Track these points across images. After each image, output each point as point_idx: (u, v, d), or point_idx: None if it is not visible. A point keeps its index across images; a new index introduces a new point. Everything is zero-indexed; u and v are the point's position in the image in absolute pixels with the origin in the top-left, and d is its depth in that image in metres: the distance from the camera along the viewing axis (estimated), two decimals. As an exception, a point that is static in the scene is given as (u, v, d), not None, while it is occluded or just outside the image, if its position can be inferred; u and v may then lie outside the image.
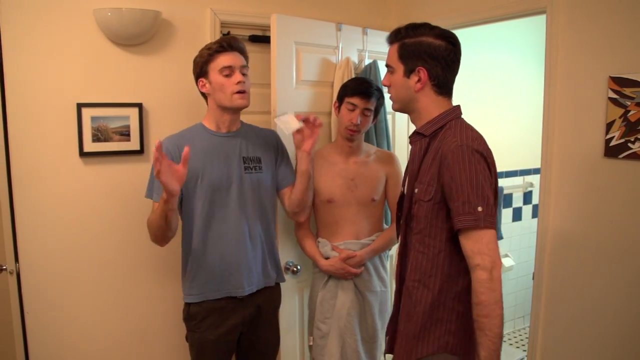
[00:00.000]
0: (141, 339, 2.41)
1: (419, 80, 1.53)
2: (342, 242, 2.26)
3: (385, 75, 1.64)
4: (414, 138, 1.64)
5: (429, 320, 1.52)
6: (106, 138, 2.21)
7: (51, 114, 2.12)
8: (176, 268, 2.19)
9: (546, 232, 2.21)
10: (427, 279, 1.52)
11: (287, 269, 2.37)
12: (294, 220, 2.27)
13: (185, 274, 2.01)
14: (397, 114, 2.74)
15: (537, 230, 2.25)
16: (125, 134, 2.25)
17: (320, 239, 2.31)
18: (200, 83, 1.95)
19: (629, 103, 1.90)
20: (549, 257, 2.22)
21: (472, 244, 1.41)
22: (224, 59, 1.89)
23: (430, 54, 1.51)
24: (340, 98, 2.24)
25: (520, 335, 4.02)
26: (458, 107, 1.59)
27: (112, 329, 2.33)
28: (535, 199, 3.99)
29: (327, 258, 2.25)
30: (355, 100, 2.17)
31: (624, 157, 1.93)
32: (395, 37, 1.58)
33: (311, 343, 2.32)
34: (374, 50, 2.63)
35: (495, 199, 1.51)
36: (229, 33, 2.47)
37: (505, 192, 3.78)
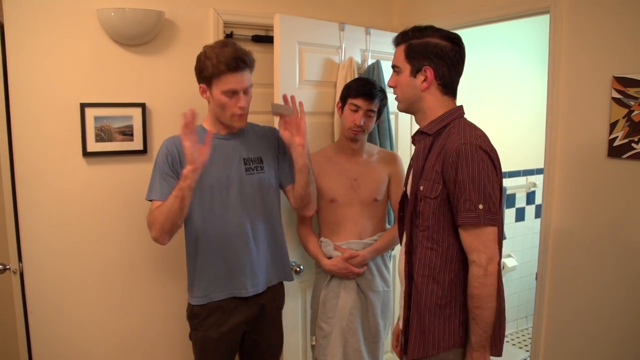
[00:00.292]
0: (144, 338, 2.42)
1: (425, 80, 1.57)
2: (344, 242, 2.26)
3: (392, 76, 1.67)
4: (417, 137, 1.66)
5: (442, 316, 1.55)
6: (109, 138, 2.22)
7: (54, 113, 2.13)
8: (179, 267, 2.20)
9: (549, 232, 2.21)
10: (437, 274, 1.55)
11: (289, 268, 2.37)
12: (301, 215, 2.27)
13: (189, 276, 2.01)
14: (400, 114, 2.74)
15: (540, 230, 2.25)
16: (128, 134, 2.26)
17: (322, 239, 2.31)
18: (201, 88, 1.91)
19: (632, 103, 1.89)
20: (552, 257, 2.21)
21: (471, 240, 1.48)
22: (230, 81, 1.82)
23: (437, 54, 1.55)
24: (344, 99, 2.24)
25: (523, 335, 4.01)
26: (461, 107, 1.62)
27: (115, 328, 2.34)
28: (538, 199, 3.98)
29: (329, 258, 2.25)
30: (358, 101, 2.17)
31: (628, 157, 1.92)
32: (402, 38, 1.62)
33: (314, 343, 2.32)
34: (377, 50, 2.63)
35: (500, 196, 1.53)
36: (231, 33, 2.47)
37: (509, 192, 3.77)
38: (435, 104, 1.59)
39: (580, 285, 2.13)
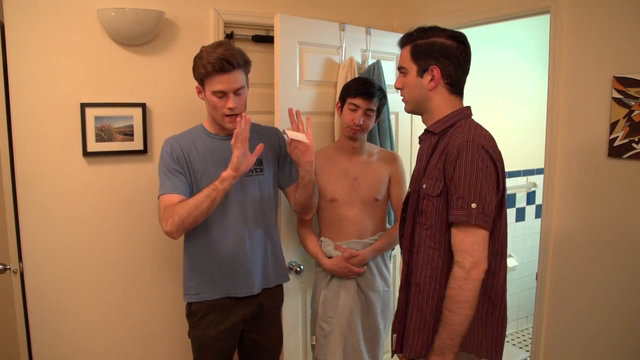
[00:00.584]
0: (144, 337, 2.42)
1: (432, 79, 1.56)
2: (345, 242, 2.26)
3: (398, 78, 1.66)
4: (423, 136, 1.65)
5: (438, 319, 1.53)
6: (110, 138, 2.22)
7: (55, 113, 2.13)
8: (178, 266, 2.19)
9: (549, 232, 2.21)
10: (439, 274, 1.54)
11: (290, 268, 2.37)
12: (300, 217, 2.27)
13: (184, 273, 2.02)
14: (400, 114, 2.75)
15: (541, 230, 2.25)
16: (128, 134, 2.26)
17: (323, 238, 2.31)
18: (197, 89, 1.93)
19: (633, 103, 1.89)
20: (553, 257, 2.21)
21: (459, 239, 1.45)
22: (219, 82, 1.82)
23: (443, 53, 1.54)
24: (343, 98, 2.24)
25: (523, 335, 4.01)
26: (468, 107, 1.61)
27: (115, 327, 2.34)
28: (538, 199, 3.98)
29: (330, 257, 2.25)
30: (357, 100, 2.17)
31: (628, 157, 1.92)
32: (407, 39, 1.61)
33: (314, 342, 2.32)
34: (377, 50, 2.63)
35: (501, 198, 1.51)
36: (232, 33, 2.47)
37: (509, 192, 3.77)
38: (442, 104, 1.58)
39: (580, 285, 2.13)
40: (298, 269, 2.40)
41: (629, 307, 1.97)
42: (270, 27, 2.38)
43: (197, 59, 1.86)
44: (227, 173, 1.79)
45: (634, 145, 1.90)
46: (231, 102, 1.85)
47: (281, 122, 2.28)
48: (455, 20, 2.54)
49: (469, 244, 1.43)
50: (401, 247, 1.77)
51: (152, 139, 2.32)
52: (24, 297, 2.15)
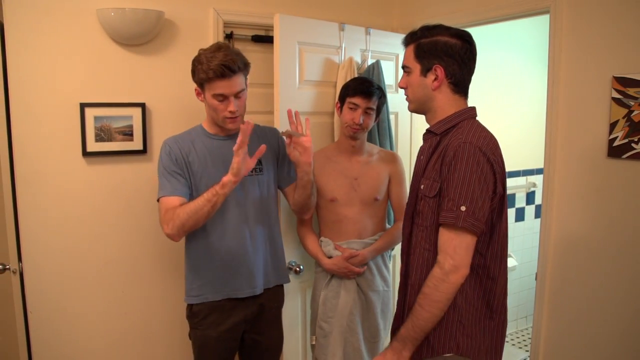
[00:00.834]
0: (144, 338, 2.42)
1: (436, 79, 1.53)
2: (344, 241, 2.26)
3: (402, 77, 1.64)
4: (425, 136, 1.63)
5: (442, 320, 1.50)
6: (109, 138, 2.22)
7: (54, 113, 2.13)
8: (178, 266, 2.20)
9: (549, 232, 2.21)
10: None
11: (289, 268, 2.37)
12: (299, 217, 2.27)
13: (186, 275, 2.02)
14: (400, 113, 2.75)
15: (540, 230, 2.25)
16: (128, 134, 2.26)
17: (323, 238, 2.31)
18: (196, 91, 1.93)
19: (632, 103, 1.89)
20: (552, 257, 2.21)
21: (444, 240, 1.43)
22: (219, 87, 1.83)
23: (447, 52, 1.51)
24: (342, 98, 2.24)
25: (522, 335, 4.01)
26: (473, 108, 1.58)
27: (114, 328, 2.34)
28: (538, 199, 3.98)
29: (329, 257, 2.26)
30: (356, 100, 2.17)
31: (628, 158, 1.92)
32: (411, 38, 1.58)
33: (314, 342, 2.32)
34: (377, 50, 2.63)
35: (501, 201, 1.48)
36: (232, 33, 2.47)
37: (508, 192, 3.74)
38: (445, 104, 1.55)
39: (580, 285, 2.13)
40: (298, 269, 2.40)
41: (629, 307, 1.97)
42: (270, 27, 2.38)
43: (197, 64, 1.85)
44: (228, 178, 1.79)
45: (633, 145, 1.90)
46: (232, 106, 1.86)
47: (281, 122, 2.28)
48: (455, 20, 2.54)
49: (452, 246, 1.41)
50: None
51: (152, 139, 2.32)
52: (23, 297, 2.15)
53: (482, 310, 1.52)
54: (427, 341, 1.52)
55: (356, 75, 2.45)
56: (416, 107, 1.63)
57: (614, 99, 1.94)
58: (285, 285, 2.19)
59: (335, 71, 2.49)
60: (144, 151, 2.30)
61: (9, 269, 2.12)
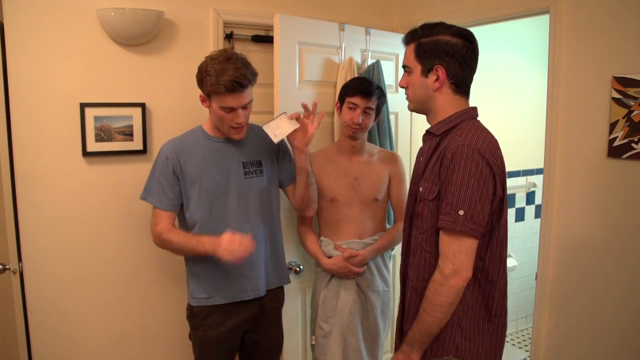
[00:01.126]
0: (144, 338, 2.42)
1: (437, 79, 1.50)
2: (344, 242, 2.26)
3: (403, 76, 1.61)
4: (425, 137, 1.62)
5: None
6: (109, 138, 2.22)
7: (54, 113, 2.13)
8: (178, 267, 2.20)
9: (549, 232, 2.21)
10: None
11: (289, 268, 2.37)
12: (302, 215, 2.27)
13: (189, 279, 2.02)
14: (400, 113, 2.74)
15: (540, 230, 2.25)
16: (128, 134, 2.26)
17: (323, 238, 2.31)
18: (201, 97, 1.91)
19: (632, 103, 1.89)
20: (552, 257, 2.21)
21: (443, 245, 1.42)
22: (229, 101, 1.82)
23: (448, 52, 1.48)
24: (342, 98, 2.24)
25: (523, 335, 4.01)
26: (474, 108, 1.56)
27: (114, 328, 2.34)
28: (538, 199, 3.98)
29: (329, 257, 2.25)
30: (356, 99, 2.17)
31: (628, 158, 1.92)
32: (412, 37, 1.55)
33: (313, 342, 2.32)
34: (376, 50, 2.63)
35: (500, 204, 1.47)
36: (232, 33, 2.47)
37: (508, 192, 3.76)
38: (446, 104, 1.53)
39: (580, 285, 2.13)
40: (297, 269, 2.40)
41: (629, 307, 1.97)
42: (270, 27, 2.38)
43: (205, 75, 1.81)
44: (214, 251, 1.81)
45: (633, 145, 1.90)
46: (240, 118, 1.86)
47: (281, 122, 2.28)
48: (454, 20, 2.50)
49: (451, 251, 1.40)
50: None
51: (152, 139, 2.32)
52: (23, 297, 2.15)
53: (481, 313, 1.51)
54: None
55: (356, 75, 2.45)
56: (416, 106, 1.61)
57: (614, 99, 1.94)
58: (285, 286, 2.19)
59: (335, 71, 2.49)
60: (144, 151, 2.30)
61: (9, 269, 2.12)
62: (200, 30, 2.37)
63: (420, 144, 1.65)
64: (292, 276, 2.37)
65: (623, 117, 1.92)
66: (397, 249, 2.63)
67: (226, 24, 2.44)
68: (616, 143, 1.95)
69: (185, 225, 1.98)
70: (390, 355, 2.82)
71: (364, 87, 2.17)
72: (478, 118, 1.57)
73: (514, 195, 3.88)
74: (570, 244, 2.15)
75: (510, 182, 3.79)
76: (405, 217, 1.65)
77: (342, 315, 2.25)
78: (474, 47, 1.52)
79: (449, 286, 1.39)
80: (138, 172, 2.27)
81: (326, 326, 2.25)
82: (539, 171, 3.90)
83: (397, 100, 2.60)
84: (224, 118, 1.86)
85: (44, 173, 2.13)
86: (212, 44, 2.36)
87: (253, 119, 2.13)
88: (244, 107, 1.86)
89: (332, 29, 2.47)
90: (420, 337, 1.47)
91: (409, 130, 2.85)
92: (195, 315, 2.00)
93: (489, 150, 1.42)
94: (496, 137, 1.52)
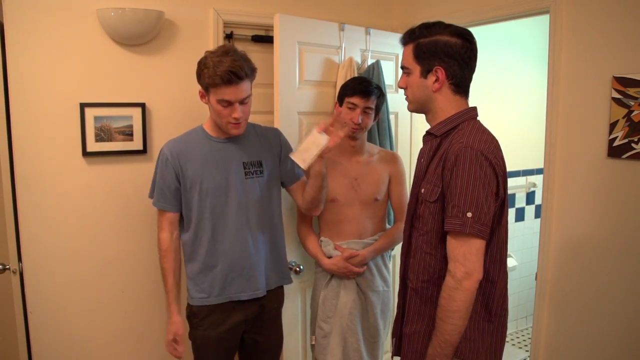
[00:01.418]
0: (144, 337, 2.41)
1: (436, 80, 1.50)
2: (344, 242, 2.26)
3: (402, 77, 1.60)
4: (425, 138, 1.61)
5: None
6: (109, 138, 2.22)
7: (54, 113, 2.13)
8: (179, 267, 2.20)
9: (549, 232, 2.21)
10: (438, 279, 1.51)
11: (289, 268, 2.37)
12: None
13: (187, 277, 2.02)
14: (400, 113, 2.75)
15: (540, 230, 2.25)
16: (128, 134, 2.26)
17: (323, 238, 2.31)
18: (200, 93, 1.91)
19: (632, 103, 1.89)
20: (552, 257, 2.21)
21: (452, 248, 1.41)
22: (225, 93, 1.81)
23: (447, 52, 1.47)
24: (341, 98, 2.24)
25: (522, 335, 4.01)
26: (474, 108, 1.56)
27: (114, 328, 2.34)
28: (538, 199, 3.98)
29: (329, 257, 2.25)
30: (355, 99, 2.17)
31: (628, 157, 1.92)
32: (410, 37, 1.54)
33: (313, 342, 2.32)
34: (376, 50, 2.63)
35: (501, 205, 1.47)
36: (232, 33, 2.47)
37: (508, 192, 3.76)
38: (446, 105, 1.52)
39: (580, 284, 2.13)
40: (297, 269, 2.40)
41: (629, 307, 1.97)
42: (270, 27, 2.38)
43: (203, 67, 1.83)
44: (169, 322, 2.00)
45: (633, 145, 1.90)
46: (237, 113, 1.85)
47: (281, 122, 2.28)
48: (454, 20, 2.49)
49: (462, 253, 1.39)
50: None
51: (152, 139, 2.32)
52: (23, 297, 2.15)
53: (481, 313, 1.51)
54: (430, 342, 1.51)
55: (356, 75, 2.45)
56: (416, 107, 1.60)
57: (614, 99, 1.94)
58: (285, 286, 2.19)
59: (335, 71, 2.49)
60: (144, 151, 2.30)
61: (9, 269, 2.12)
62: (200, 30, 2.37)
63: (420, 144, 1.65)
64: (292, 276, 2.36)
65: (623, 117, 1.92)
66: (397, 249, 2.64)
67: (226, 24, 2.44)
68: (616, 143, 1.95)
69: (187, 224, 1.99)
70: (390, 355, 2.81)
71: (363, 87, 2.17)
72: (478, 118, 1.56)
73: (514, 195, 3.88)
74: (570, 244, 2.15)
75: (510, 182, 3.79)
76: (406, 218, 1.65)
77: (342, 315, 2.25)
78: (472, 47, 1.51)
79: (463, 289, 1.38)
80: (138, 172, 2.28)
81: (326, 326, 2.25)
82: (539, 171, 3.90)
83: (397, 100, 2.60)
84: (221, 113, 1.86)
85: (44, 173, 2.13)
86: (212, 43, 2.36)
87: (253, 119, 2.13)
88: (242, 103, 1.86)
89: (332, 29, 2.47)
90: (442, 351, 1.43)
91: (409, 130, 2.85)
92: (194, 314, 2.00)
93: (491, 152, 1.42)
94: (496, 137, 1.52)
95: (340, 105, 2.24)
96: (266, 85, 2.42)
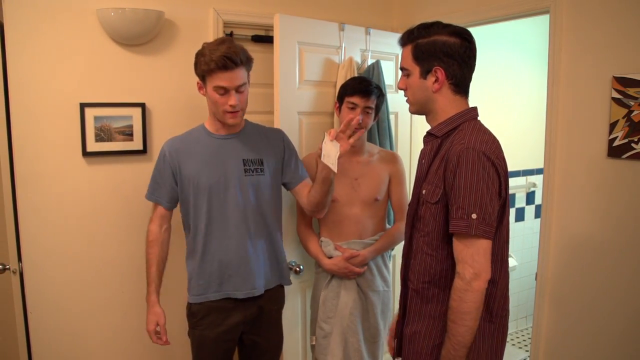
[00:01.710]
0: (143, 337, 2.40)
1: (436, 81, 1.49)
2: (345, 242, 2.26)
3: (401, 79, 1.59)
4: (426, 139, 1.60)
5: (441, 323, 1.50)
6: (109, 138, 2.22)
7: (54, 113, 2.13)
8: (178, 266, 2.19)
9: (549, 232, 2.21)
10: (439, 280, 1.50)
11: (289, 268, 2.37)
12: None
13: (188, 274, 2.02)
14: (400, 113, 2.75)
15: (540, 230, 2.25)
16: (128, 134, 2.26)
17: (323, 239, 2.31)
18: (198, 84, 1.93)
19: (632, 103, 1.89)
20: (553, 257, 2.21)
21: (459, 250, 1.40)
22: (221, 79, 1.81)
23: (446, 53, 1.46)
24: (340, 98, 2.24)
25: (522, 335, 4.01)
26: (474, 108, 1.55)
27: (114, 327, 2.34)
28: (538, 200, 3.98)
29: (330, 257, 2.25)
30: (355, 99, 2.17)
31: (628, 157, 1.92)
32: (408, 38, 1.53)
33: (314, 342, 2.32)
34: (376, 50, 2.63)
35: (503, 205, 1.47)
36: (231, 33, 2.47)
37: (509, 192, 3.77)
38: (446, 105, 1.51)
39: (580, 284, 2.13)
40: (297, 269, 2.40)
41: (629, 307, 1.97)
42: (270, 27, 2.38)
43: (200, 55, 1.85)
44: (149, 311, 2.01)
45: (633, 145, 1.90)
46: (233, 100, 1.85)
47: (281, 122, 2.28)
48: (455, 20, 2.49)
49: (469, 254, 1.38)
50: None
51: (152, 139, 2.32)
52: (23, 297, 2.15)
53: (482, 313, 1.50)
54: (432, 343, 1.51)
55: (356, 75, 2.45)
56: (417, 109, 1.60)
57: (614, 99, 1.94)
58: (285, 286, 2.19)
59: (335, 71, 2.49)
60: (144, 151, 2.30)
61: (9, 269, 2.12)
62: (200, 30, 2.37)
63: (420, 144, 1.64)
64: (292, 276, 2.36)
65: (623, 117, 1.92)
66: (397, 249, 2.64)
67: (226, 24, 2.44)
68: (616, 143, 1.95)
69: (186, 222, 1.99)
70: (388, 355, 2.81)
71: (363, 87, 2.17)
72: (478, 118, 1.56)
73: (514, 195, 3.88)
74: (570, 244, 2.15)
75: (511, 182, 3.73)
76: (407, 219, 1.64)
77: (343, 316, 2.25)
78: (472, 46, 1.51)
79: (473, 290, 1.37)
80: (138, 172, 2.28)
81: (326, 326, 2.25)
82: (539, 171, 3.90)
83: (397, 100, 2.60)
84: (217, 101, 1.86)
85: (44, 173, 2.13)
86: (212, 44, 2.37)
87: (253, 118, 2.14)
88: (238, 91, 1.86)
89: (332, 29, 2.47)
90: (455, 352, 1.42)
91: (409, 130, 2.85)
92: (193, 314, 2.00)
93: (492, 152, 1.42)
94: (496, 136, 1.52)
95: (340, 105, 2.24)
96: (266, 85, 2.42)
